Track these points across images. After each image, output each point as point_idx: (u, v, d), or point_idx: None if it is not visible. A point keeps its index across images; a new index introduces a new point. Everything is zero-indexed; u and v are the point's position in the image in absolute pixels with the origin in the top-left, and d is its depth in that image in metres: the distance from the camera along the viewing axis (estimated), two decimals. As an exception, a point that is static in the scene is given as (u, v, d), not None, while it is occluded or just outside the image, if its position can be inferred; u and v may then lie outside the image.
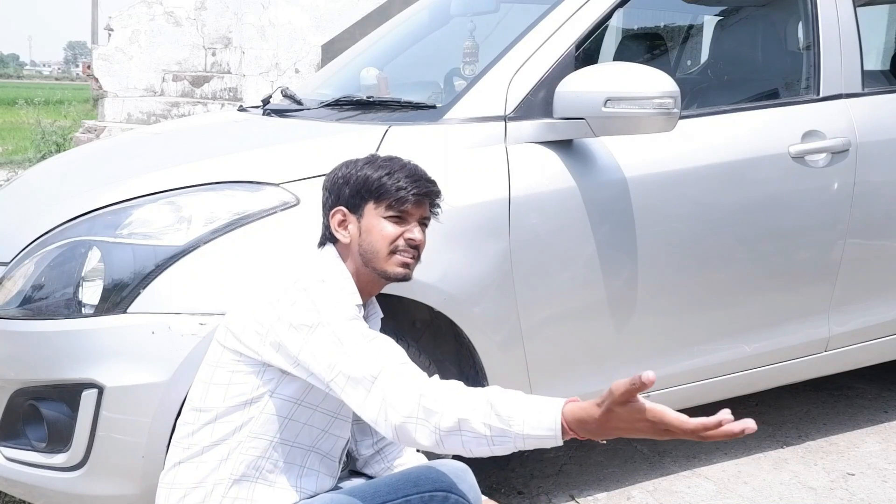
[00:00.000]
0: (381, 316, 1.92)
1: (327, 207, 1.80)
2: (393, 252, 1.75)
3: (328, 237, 1.81)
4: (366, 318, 1.83)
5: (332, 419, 1.73)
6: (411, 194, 1.73)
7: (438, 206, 1.82)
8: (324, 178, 1.85)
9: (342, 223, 1.77)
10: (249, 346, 1.64)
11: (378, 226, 1.74)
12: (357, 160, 1.80)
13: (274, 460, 1.69)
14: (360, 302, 1.74)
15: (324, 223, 1.82)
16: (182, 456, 1.69)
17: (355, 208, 1.76)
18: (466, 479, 1.76)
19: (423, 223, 1.80)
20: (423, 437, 1.45)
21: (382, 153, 1.97)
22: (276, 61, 8.31)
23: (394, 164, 1.77)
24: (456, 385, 1.49)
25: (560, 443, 1.42)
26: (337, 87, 3.14)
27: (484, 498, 1.83)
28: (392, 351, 1.55)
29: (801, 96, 2.91)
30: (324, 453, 1.75)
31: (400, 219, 1.75)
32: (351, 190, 1.76)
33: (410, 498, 1.64)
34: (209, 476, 1.67)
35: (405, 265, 1.76)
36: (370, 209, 1.75)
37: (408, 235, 1.75)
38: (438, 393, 1.46)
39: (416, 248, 1.77)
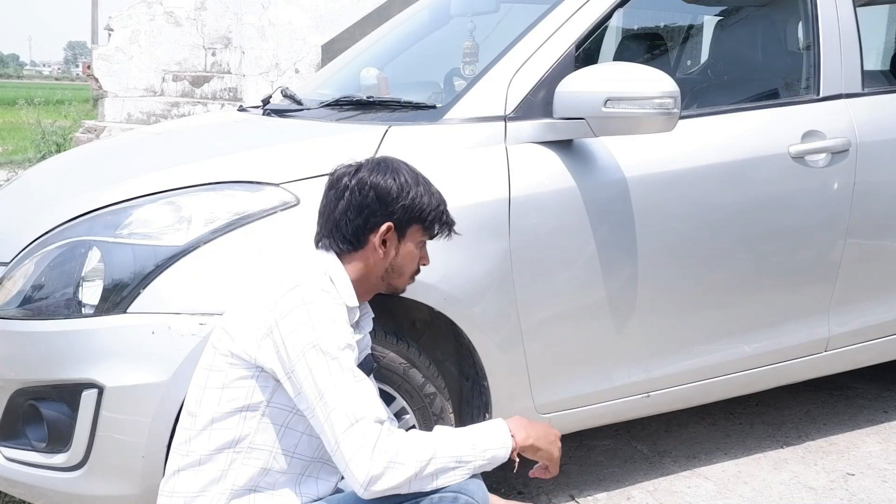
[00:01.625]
0: (373, 315, 1.94)
1: (375, 215, 1.76)
2: (416, 273, 1.87)
3: (351, 241, 1.77)
4: (359, 319, 1.84)
5: None
6: (450, 228, 1.85)
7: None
8: (371, 176, 1.79)
9: (385, 240, 1.79)
10: (245, 349, 1.64)
11: (413, 252, 1.82)
12: (406, 176, 1.79)
13: (275, 470, 1.69)
14: (356, 304, 1.75)
15: (357, 225, 1.76)
16: (181, 463, 1.69)
17: (401, 229, 1.79)
18: (474, 479, 1.76)
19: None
20: (394, 480, 1.56)
21: (383, 154, 1.97)
22: (276, 61, 8.31)
23: (441, 196, 1.84)
24: (419, 436, 1.63)
25: (508, 443, 1.68)
26: (337, 87, 3.14)
27: (492, 496, 1.84)
28: (374, 401, 1.62)
29: (801, 96, 2.91)
30: (325, 460, 1.75)
31: (423, 243, 1.85)
32: (407, 214, 1.78)
33: (419, 500, 1.64)
34: (209, 486, 1.67)
35: (412, 279, 1.88)
36: (414, 234, 1.80)
37: (424, 261, 1.87)
38: (411, 448, 1.58)
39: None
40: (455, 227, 1.86)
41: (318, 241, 1.82)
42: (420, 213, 1.78)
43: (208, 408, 1.67)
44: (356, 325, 1.83)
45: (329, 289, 1.67)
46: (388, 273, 1.80)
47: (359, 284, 1.77)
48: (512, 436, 1.69)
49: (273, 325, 1.61)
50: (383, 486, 1.55)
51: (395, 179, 1.77)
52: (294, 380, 1.60)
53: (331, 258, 1.78)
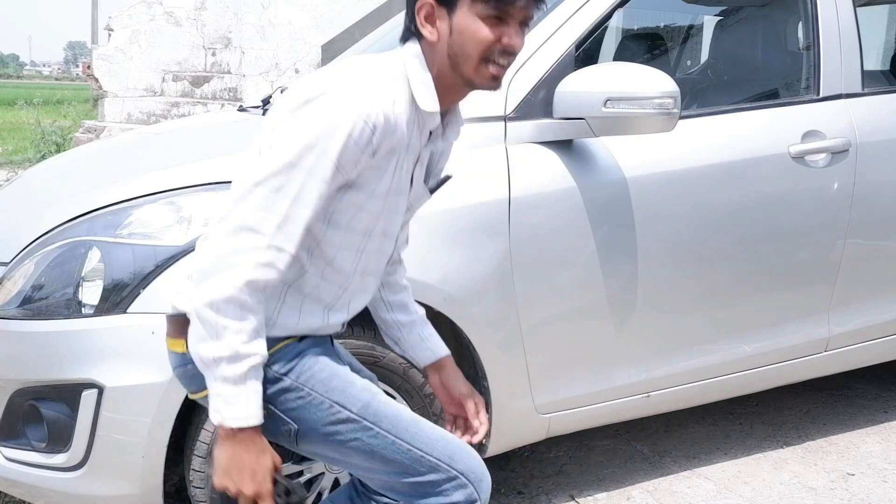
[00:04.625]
0: (462, 124, 1.69)
1: None
2: (486, 60, 1.48)
3: (413, 31, 1.53)
4: (444, 125, 1.62)
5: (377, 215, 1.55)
6: None
7: (544, 3, 1.53)
8: None
9: (429, 17, 1.49)
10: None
11: (472, 27, 1.46)
12: None
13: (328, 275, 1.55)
14: (435, 109, 1.52)
15: (407, 14, 1.55)
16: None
17: (447, 2, 1.47)
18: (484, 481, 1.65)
19: (525, 24, 1.51)
20: (206, 295, 1.38)
21: None
22: (276, 61, 8.31)
23: None
24: (249, 322, 1.41)
25: (229, 419, 1.41)
26: (337, 87, 3.13)
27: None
28: (297, 233, 1.43)
29: (800, 96, 2.91)
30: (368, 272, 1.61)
31: (499, 19, 1.46)
32: None
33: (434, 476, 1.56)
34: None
35: (495, 78, 1.50)
36: (465, 5, 1.46)
37: (506, 40, 1.47)
38: (240, 313, 1.39)
39: (512, 55, 1.50)
40: None
41: (401, 37, 1.57)
42: None
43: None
44: (440, 132, 1.61)
45: (398, 95, 1.46)
46: (454, 61, 1.48)
47: (438, 82, 1.52)
48: (222, 435, 1.42)
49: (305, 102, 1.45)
50: (203, 294, 1.38)
51: None
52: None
53: (411, 53, 1.53)
